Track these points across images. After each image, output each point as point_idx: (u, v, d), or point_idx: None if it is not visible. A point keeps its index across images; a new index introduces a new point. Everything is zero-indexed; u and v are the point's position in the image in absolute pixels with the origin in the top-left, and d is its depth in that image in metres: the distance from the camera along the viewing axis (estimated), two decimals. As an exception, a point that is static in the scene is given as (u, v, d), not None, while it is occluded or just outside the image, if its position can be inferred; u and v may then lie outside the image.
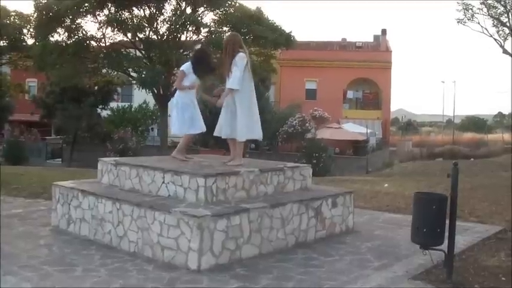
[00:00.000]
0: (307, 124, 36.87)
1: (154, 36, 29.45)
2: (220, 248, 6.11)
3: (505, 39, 28.04)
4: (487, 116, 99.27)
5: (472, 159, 30.58)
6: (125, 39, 30.08)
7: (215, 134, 7.85)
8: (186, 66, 7.96)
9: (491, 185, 14.33)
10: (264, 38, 28.40)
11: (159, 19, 29.05)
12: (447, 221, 5.74)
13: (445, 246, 5.73)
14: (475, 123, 77.87)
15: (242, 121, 7.55)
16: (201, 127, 8.08)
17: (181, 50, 28.99)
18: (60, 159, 40.14)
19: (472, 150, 38.70)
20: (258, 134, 7.86)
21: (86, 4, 27.04)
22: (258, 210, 6.63)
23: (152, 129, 44.86)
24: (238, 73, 7.39)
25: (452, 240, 5.76)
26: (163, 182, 7.16)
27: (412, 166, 28.97)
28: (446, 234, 5.73)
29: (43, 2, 27.42)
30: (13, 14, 35.79)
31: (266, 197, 7.35)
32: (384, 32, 54.59)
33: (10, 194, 11.50)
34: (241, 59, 7.48)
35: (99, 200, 7.33)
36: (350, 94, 51.54)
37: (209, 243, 5.99)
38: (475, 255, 6.74)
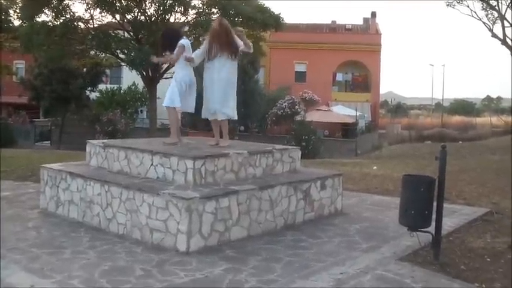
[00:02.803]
0: (296, 107, 36.84)
1: (142, 17, 29.21)
2: (209, 230, 6.13)
3: (494, 22, 28.13)
4: (475, 99, 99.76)
5: (460, 142, 30.72)
6: (113, 20, 29.82)
7: (204, 116, 7.86)
8: (186, 42, 7.88)
9: (479, 167, 14.46)
10: (253, 19, 28.20)
11: (147, 0, 28.80)
12: (435, 204, 5.78)
13: (432, 228, 5.78)
14: (463, 107, 78.16)
15: (229, 101, 7.73)
16: (187, 106, 7.90)
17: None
18: (48, 142, 39.91)
19: (460, 133, 38.87)
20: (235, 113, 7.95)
21: (74, -15, 26.77)
22: (246, 192, 6.65)
23: (141, 111, 44.66)
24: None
25: (440, 222, 5.81)
26: (151, 164, 7.16)
27: (401, 149, 29.09)
28: (434, 216, 5.78)
29: (30, -18, 27.08)
30: (-1, -6, 35.37)
31: (255, 179, 7.37)
32: (373, 14, 54.45)
33: (-2, 176, 11.46)
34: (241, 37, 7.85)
35: (87, 182, 7.32)
36: (339, 77, 51.50)
37: (198, 225, 6.01)
38: (462, 237, 6.80)
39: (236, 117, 7.97)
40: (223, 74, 7.61)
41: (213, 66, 7.65)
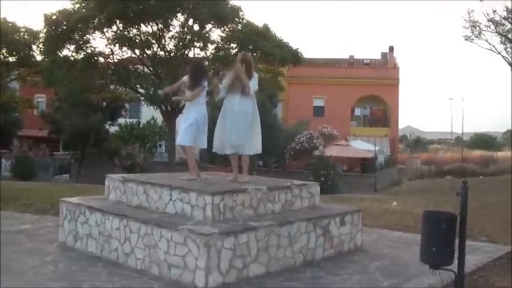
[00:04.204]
0: (315, 141, 36.77)
1: (162, 53, 29.54)
2: (227, 267, 6.06)
3: (513, 56, 28.00)
4: (496, 133, 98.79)
5: (481, 177, 30.36)
6: (133, 55, 30.21)
7: (221, 151, 7.85)
8: (206, 82, 7.90)
9: (501, 203, 14.22)
10: (271, 54, 28.40)
11: (167, 35, 29.12)
12: (457, 240, 5.67)
13: (455, 266, 5.66)
14: (484, 141, 77.53)
15: (252, 136, 7.75)
16: (200, 143, 7.91)
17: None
18: (68, 175, 40.19)
19: (481, 168, 38.42)
20: (259, 148, 7.94)
21: (95, 20, 27.22)
22: (265, 228, 6.59)
23: (160, 145, 44.87)
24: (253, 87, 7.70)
25: (462, 260, 5.70)
26: (170, 199, 7.14)
27: (421, 184, 28.79)
28: (456, 253, 5.66)
29: (53, 18, 27.60)
30: (23, 30, 36.09)
31: (274, 215, 7.31)
32: (391, 49, 54.64)
33: (18, 209, 11.54)
34: (256, 80, 7.82)
35: (106, 216, 7.31)
36: (358, 111, 51.47)
37: (216, 262, 5.95)
38: (486, 276, 6.66)
39: (261, 151, 7.95)
40: (244, 107, 7.61)
41: (233, 100, 7.66)
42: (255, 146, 7.83)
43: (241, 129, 7.59)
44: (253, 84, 7.70)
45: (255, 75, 7.83)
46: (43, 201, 12.54)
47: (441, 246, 5.60)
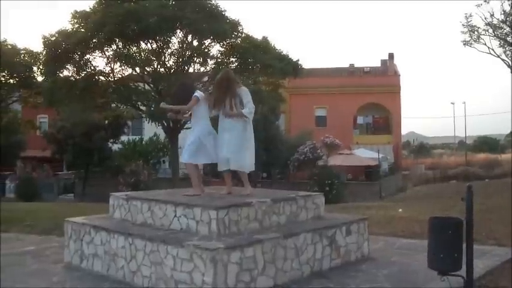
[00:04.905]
0: (318, 151, 36.76)
1: (162, 69, 29.67)
2: (234, 281, 6.03)
3: (512, 59, 28.00)
4: (499, 135, 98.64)
5: (486, 180, 30.30)
6: (133, 73, 30.34)
7: (219, 168, 7.84)
8: (200, 94, 7.90)
9: (508, 205, 14.15)
10: (271, 67, 28.52)
11: (167, 52, 29.29)
12: (464, 246, 5.64)
13: (463, 271, 5.62)
14: (487, 144, 77.45)
15: (249, 152, 7.71)
16: (207, 158, 7.81)
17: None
18: (72, 195, 40.21)
19: (485, 171, 38.42)
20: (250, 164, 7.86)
21: (94, 40, 27.35)
22: (271, 241, 6.56)
23: (164, 161, 44.91)
24: (252, 104, 7.64)
25: (471, 264, 5.66)
26: (175, 216, 7.11)
27: (426, 189, 28.75)
28: (464, 259, 5.62)
29: (52, 39, 27.75)
30: (23, 52, 36.32)
31: (279, 227, 7.28)
32: (391, 56, 54.75)
33: (23, 231, 11.51)
34: (247, 93, 7.76)
35: (111, 235, 7.28)
36: (360, 120, 51.55)
37: (223, 276, 5.91)
38: (496, 280, 6.61)
39: (252, 169, 7.89)
40: (235, 123, 7.59)
41: (223, 117, 7.69)
42: (245, 162, 7.73)
43: (231, 144, 7.58)
44: (249, 96, 7.72)
45: (243, 90, 7.77)
46: (47, 221, 12.51)
47: (449, 252, 5.56)
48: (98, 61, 45.78)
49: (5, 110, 39.40)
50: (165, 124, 29.61)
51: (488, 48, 28.66)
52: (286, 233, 6.87)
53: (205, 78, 29.87)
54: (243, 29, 29.46)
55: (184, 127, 28.20)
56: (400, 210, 14.37)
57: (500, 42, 28.12)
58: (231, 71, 8.23)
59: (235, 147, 7.60)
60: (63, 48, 27.44)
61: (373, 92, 49.12)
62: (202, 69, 30.17)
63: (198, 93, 7.83)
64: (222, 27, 27.46)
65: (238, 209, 6.90)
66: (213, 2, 28.23)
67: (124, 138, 42.94)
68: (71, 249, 8.03)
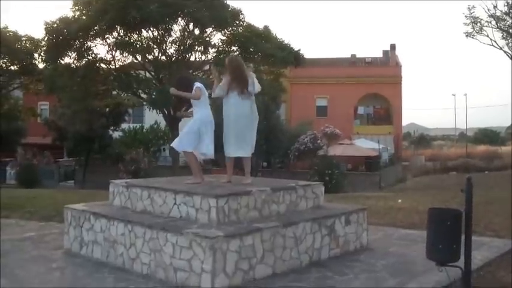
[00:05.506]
0: (318, 141, 36.73)
1: (163, 57, 29.62)
2: (233, 269, 6.05)
3: (515, 51, 27.94)
4: (499, 127, 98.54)
5: (486, 172, 30.29)
6: (134, 61, 30.30)
7: (232, 155, 7.84)
8: (201, 84, 7.87)
9: (507, 198, 14.16)
10: (272, 56, 28.45)
11: (168, 40, 29.23)
12: (463, 237, 5.65)
13: (461, 262, 5.63)
14: (488, 136, 77.40)
15: (245, 138, 7.75)
16: (203, 148, 7.74)
17: (190, 71, 29.13)
18: (72, 181, 40.27)
19: (486, 163, 38.35)
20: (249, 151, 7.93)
21: (95, 27, 27.28)
22: (270, 229, 6.58)
23: (164, 149, 44.90)
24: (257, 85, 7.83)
25: (469, 256, 5.67)
26: (175, 203, 7.13)
27: (426, 181, 28.72)
28: (463, 249, 5.64)
29: (53, 26, 27.68)
30: (24, 38, 36.19)
31: (278, 216, 7.30)
32: (392, 47, 54.59)
33: (23, 217, 11.55)
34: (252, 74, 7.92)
35: (111, 222, 7.30)
36: (361, 110, 51.49)
37: (222, 264, 5.94)
38: (493, 271, 6.64)
39: (249, 155, 7.91)
40: (242, 110, 7.63)
41: (228, 103, 7.70)
42: (247, 148, 7.79)
43: (237, 132, 7.62)
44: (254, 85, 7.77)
45: (252, 76, 7.85)
46: (48, 208, 12.54)
47: (447, 243, 5.56)
48: (99, 48, 45.68)
49: (6, 96, 39.31)
50: (166, 112, 29.59)
51: (491, 40, 28.61)
52: (286, 222, 6.89)
53: (206, 67, 29.82)
54: (244, 18, 29.41)
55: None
56: (400, 200, 14.39)
57: (503, 34, 28.06)
58: (238, 58, 8.30)
59: (241, 133, 7.69)
60: (64, 35, 27.37)
61: (374, 82, 49.03)
62: (203, 57, 30.11)
63: (199, 84, 7.83)
64: (224, 15, 27.40)
65: (238, 197, 6.92)
66: (215, -10, 28.15)
67: (125, 125, 42.94)
68: (71, 236, 8.06)
